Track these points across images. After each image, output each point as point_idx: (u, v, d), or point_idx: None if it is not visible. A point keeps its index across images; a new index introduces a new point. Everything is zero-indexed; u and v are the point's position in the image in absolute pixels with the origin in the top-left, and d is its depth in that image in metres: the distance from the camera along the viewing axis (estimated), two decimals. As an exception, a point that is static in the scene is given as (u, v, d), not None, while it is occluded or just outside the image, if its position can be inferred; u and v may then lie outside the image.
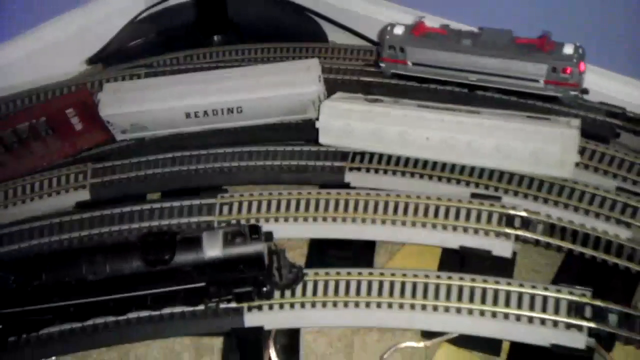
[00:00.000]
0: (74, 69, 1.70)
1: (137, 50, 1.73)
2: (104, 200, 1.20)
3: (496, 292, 0.95)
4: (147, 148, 1.28)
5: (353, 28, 1.67)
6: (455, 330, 0.96)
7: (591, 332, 0.90)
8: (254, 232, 0.92)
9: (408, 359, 1.07)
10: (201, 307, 0.98)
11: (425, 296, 0.96)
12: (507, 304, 0.93)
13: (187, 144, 1.28)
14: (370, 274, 1.00)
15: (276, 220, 1.10)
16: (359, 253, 1.18)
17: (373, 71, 1.39)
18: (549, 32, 1.20)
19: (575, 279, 1.02)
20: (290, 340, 1.10)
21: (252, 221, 1.09)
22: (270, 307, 0.98)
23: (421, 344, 1.07)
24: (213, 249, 0.91)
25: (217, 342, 1.11)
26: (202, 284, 0.92)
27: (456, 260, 1.07)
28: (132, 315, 0.97)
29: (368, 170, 1.18)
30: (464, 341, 1.05)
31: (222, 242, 0.91)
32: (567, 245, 1.00)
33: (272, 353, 1.04)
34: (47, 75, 1.58)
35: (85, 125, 1.30)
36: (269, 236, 0.94)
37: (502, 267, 1.06)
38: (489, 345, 1.05)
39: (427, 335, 1.07)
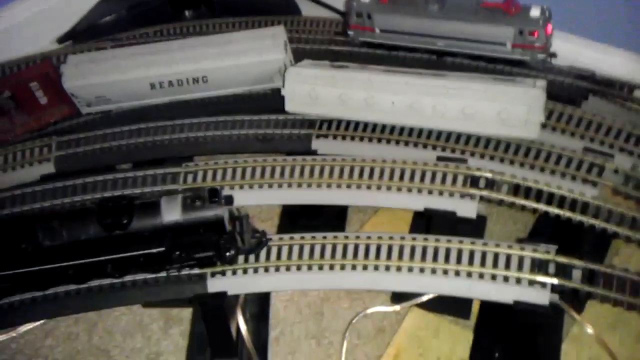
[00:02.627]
0: (44, 48, 1.67)
1: (108, 27, 1.70)
2: (68, 172, 1.18)
3: (460, 251, 0.94)
4: (114, 121, 1.27)
5: (325, 1, 1.65)
6: (418, 289, 0.96)
7: (554, 289, 0.89)
8: (214, 195, 0.91)
9: (378, 324, 1.07)
10: (164, 274, 0.96)
11: (389, 257, 0.95)
12: (471, 262, 0.93)
13: (155, 116, 1.27)
14: (335, 237, 1.00)
15: (241, 187, 1.09)
16: (330, 222, 1.18)
17: (343, 40, 1.37)
18: (515, -5, 1.19)
19: (547, 241, 1.02)
20: (260, 308, 1.10)
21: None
22: (234, 272, 0.97)
23: (391, 308, 1.07)
24: (172, 213, 0.90)
25: (186, 313, 1.10)
26: (162, 249, 0.91)
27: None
28: (94, 283, 0.96)
29: (335, 137, 1.17)
30: (433, 305, 1.05)
31: (181, 206, 0.90)
32: (530, 204, 0.99)
33: (240, 320, 1.03)
34: (17, 55, 1.55)
35: (50, 98, 1.29)
36: (229, 200, 0.93)
37: (471, 233, 1.05)
38: (459, 308, 1.05)
39: (397, 299, 1.07)
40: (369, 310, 1.07)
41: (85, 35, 1.68)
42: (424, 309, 1.06)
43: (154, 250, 0.91)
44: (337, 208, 1.19)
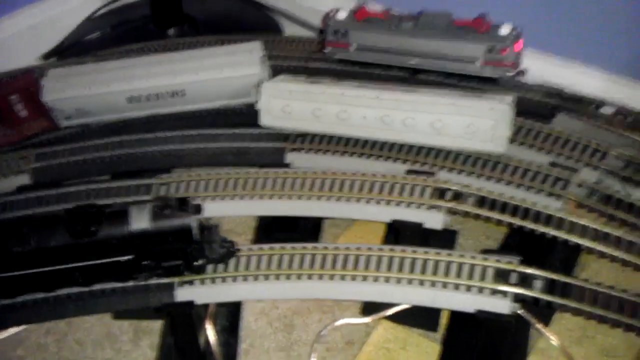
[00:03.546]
0: (30, 64, 1.70)
1: (93, 44, 1.73)
2: (45, 183, 1.19)
3: (425, 261, 0.95)
4: (92, 134, 1.28)
5: (308, 20, 1.69)
6: (382, 298, 0.97)
7: (516, 298, 0.90)
8: (182, 205, 0.92)
9: (348, 336, 1.07)
10: (132, 282, 0.97)
11: (355, 267, 0.96)
12: (435, 272, 0.94)
13: (134, 129, 1.28)
14: (304, 247, 1.01)
15: (213, 199, 1.10)
16: (305, 236, 1.19)
17: (320, 58, 1.40)
18: (486, 13, 1.22)
19: (516, 254, 1.03)
20: (230, 321, 1.10)
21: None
22: (202, 281, 0.97)
23: (359, 320, 1.08)
24: (140, 222, 0.91)
25: (157, 324, 1.11)
26: (130, 257, 0.92)
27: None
28: (62, 292, 0.97)
29: (308, 150, 1.18)
30: (402, 317, 1.05)
31: (149, 214, 0.91)
32: (495, 215, 1.01)
33: (210, 332, 1.03)
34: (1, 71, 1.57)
35: (30, 112, 1.30)
36: (197, 209, 0.93)
37: (442, 247, 1.06)
38: (427, 321, 1.06)
39: (367, 311, 1.08)
40: (337, 323, 1.08)
41: (71, 52, 1.70)
42: (393, 322, 1.07)
43: (122, 258, 0.92)
44: (312, 222, 1.21)
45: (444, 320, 1.07)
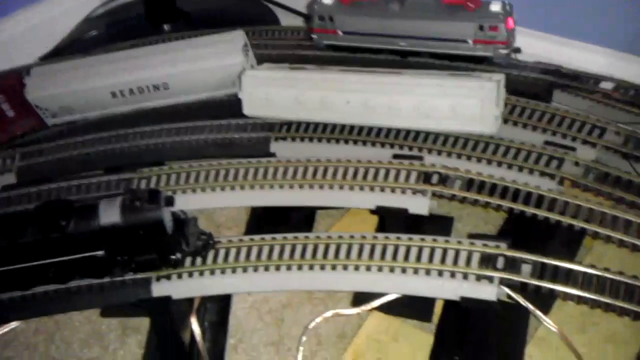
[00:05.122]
0: (28, 66, 1.70)
1: (89, 44, 1.72)
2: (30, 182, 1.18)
3: (408, 248, 0.91)
4: (77, 130, 1.27)
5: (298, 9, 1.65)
6: (364, 288, 0.92)
7: (502, 283, 0.85)
8: (153, 197, 0.89)
9: (340, 328, 1.03)
10: (108, 279, 0.95)
11: (336, 256, 0.93)
12: (419, 259, 0.89)
13: (120, 124, 1.26)
14: (284, 238, 0.97)
15: (194, 191, 1.07)
16: (296, 229, 1.15)
17: (308, 45, 1.36)
18: (475, -10, 1.17)
19: (515, 239, 0.98)
20: (219, 316, 1.07)
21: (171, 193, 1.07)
22: (179, 275, 0.95)
23: (348, 311, 1.04)
24: (110, 216, 0.88)
25: (145, 321, 1.08)
26: (102, 252, 0.90)
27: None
28: (39, 290, 0.95)
29: (293, 139, 1.15)
30: (394, 308, 1.01)
31: (119, 208, 0.88)
32: (483, 198, 0.96)
33: (195, 327, 1.00)
34: (-1, 74, 1.57)
35: (17, 111, 1.29)
36: (170, 201, 0.90)
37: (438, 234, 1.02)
38: (419, 311, 1.01)
39: (357, 303, 1.04)
40: (326, 314, 1.04)
41: (67, 52, 1.69)
42: (385, 313, 1.02)
43: (94, 254, 0.90)
44: (304, 213, 1.17)
45: (438, 309, 1.03)
